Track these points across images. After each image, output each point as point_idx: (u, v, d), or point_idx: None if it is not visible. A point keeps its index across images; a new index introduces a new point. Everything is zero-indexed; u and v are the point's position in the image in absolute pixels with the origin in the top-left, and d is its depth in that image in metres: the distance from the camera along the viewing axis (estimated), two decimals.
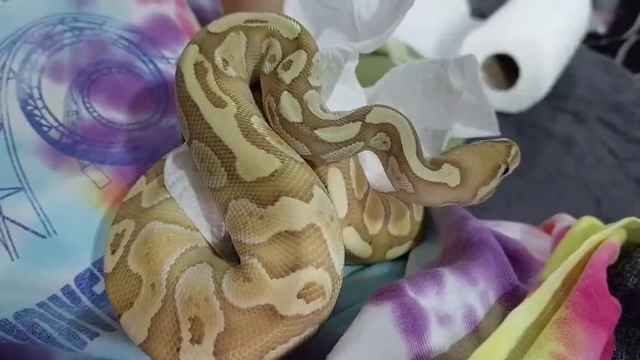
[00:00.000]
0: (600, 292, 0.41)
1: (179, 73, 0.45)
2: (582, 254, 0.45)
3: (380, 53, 1.08)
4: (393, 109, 0.43)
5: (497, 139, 0.47)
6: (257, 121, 0.43)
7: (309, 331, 0.39)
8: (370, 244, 0.50)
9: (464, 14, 1.68)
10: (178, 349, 0.39)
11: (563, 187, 1.25)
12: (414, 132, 0.43)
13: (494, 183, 0.45)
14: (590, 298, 0.40)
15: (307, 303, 0.38)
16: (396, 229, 0.51)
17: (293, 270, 0.37)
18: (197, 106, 0.43)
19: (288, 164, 0.40)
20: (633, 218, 0.50)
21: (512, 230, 0.60)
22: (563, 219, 0.63)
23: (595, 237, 0.47)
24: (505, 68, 1.37)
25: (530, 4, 1.41)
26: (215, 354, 0.38)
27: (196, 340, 0.38)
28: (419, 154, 0.42)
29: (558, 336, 0.38)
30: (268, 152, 0.41)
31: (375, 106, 0.44)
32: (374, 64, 1.06)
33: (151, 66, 0.58)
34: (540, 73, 1.31)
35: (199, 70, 0.45)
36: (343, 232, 0.47)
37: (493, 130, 0.55)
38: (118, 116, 0.54)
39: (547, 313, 0.41)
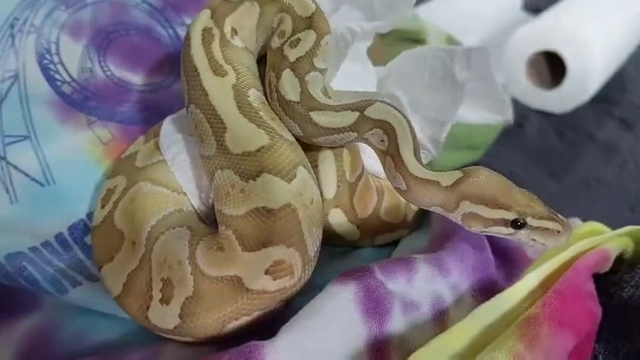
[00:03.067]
0: (576, 297, 0.40)
1: (187, 37, 0.46)
2: (568, 257, 0.44)
3: (417, 40, 1.06)
4: (395, 108, 0.43)
5: (553, 211, 0.40)
6: (254, 95, 0.44)
7: (273, 307, 0.40)
8: (358, 227, 0.49)
9: (516, 7, 1.63)
10: (148, 307, 0.40)
11: (598, 193, 1.21)
12: (412, 132, 0.42)
13: (485, 213, 0.39)
14: (563, 300, 0.39)
15: (274, 280, 0.38)
16: (387, 216, 0.51)
17: (264, 246, 0.38)
18: (198, 72, 0.44)
19: (277, 142, 0.41)
20: (638, 227, 0.48)
21: None
22: (573, 223, 0.62)
23: (585, 242, 0.46)
24: (552, 66, 1.32)
25: (586, 1, 1.35)
26: (180, 316, 0.39)
27: (165, 300, 0.39)
28: (416, 153, 0.42)
29: (520, 334, 0.37)
30: (259, 127, 0.41)
31: (378, 101, 0.44)
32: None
33: (171, 31, 0.59)
34: (588, 74, 1.26)
35: (207, 36, 0.45)
36: (330, 212, 0.48)
37: (506, 116, 0.54)
38: (131, 77, 0.55)
39: (519, 311, 0.40)
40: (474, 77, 0.50)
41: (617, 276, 0.47)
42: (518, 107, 1.36)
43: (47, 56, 0.51)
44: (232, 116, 0.42)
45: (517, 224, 0.38)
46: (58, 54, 0.52)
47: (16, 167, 0.46)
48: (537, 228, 0.39)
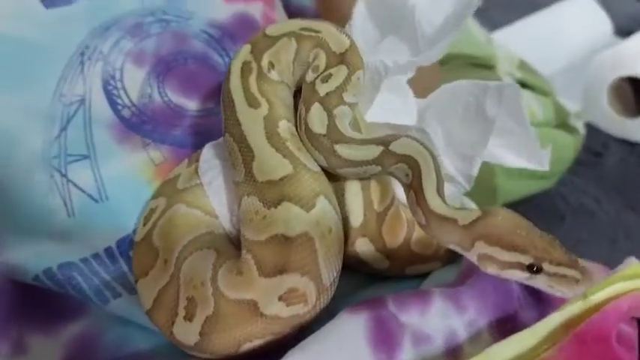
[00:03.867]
0: (599, 341, 0.38)
1: (228, 70, 0.49)
2: (601, 299, 0.42)
3: (486, 66, 1.05)
4: (421, 143, 0.44)
5: (574, 258, 0.37)
6: (283, 126, 0.46)
7: (287, 332, 0.41)
8: (387, 257, 0.50)
9: (606, 31, 1.56)
10: (173, 323, 0.43)
11: None
12: (437, 167, 0.42)
13: (500, 255, 0.38)
14: (582, 344, 0.38)
15: (287, 307, 0.40)
16: (418, 247, 0.51)
17: (280, 272, 0.40)
18: (234, 103, 0.47)
19: (300, 172, 0.43)
20: None
21: None
22: (628, 262, 0.59)
23: (623, 284, 0.43)
24: (636, 93, 1.25)
25: None
26: (200, 334, 0.41)
27: (189, 318, 0.42)
28: (439, 189, 0.42)
29: None
30: (284, 157, 0.43)
31: (404, 136, 0.45)
32: (478, 77, 1.03)
33: (227, 59, 0.63)
34: None
35: (245, 69, 0.48)
36: (357, 241, 0.49)
37: (542, 165, 0.52)
38: (187, 102, 0.59)
39: (537, 352, 0.39)
40: (506, 117, 0.49)
41: None
42: (599, 135, 1.30)
43: (112, 82, 0.56)
44: (260, 146, 0.44)
45: (533, 269, 0.37)
46: (121, 80, 0.56)
47: (75, 184, 0.51)
48: (555, 274, 0.37)
